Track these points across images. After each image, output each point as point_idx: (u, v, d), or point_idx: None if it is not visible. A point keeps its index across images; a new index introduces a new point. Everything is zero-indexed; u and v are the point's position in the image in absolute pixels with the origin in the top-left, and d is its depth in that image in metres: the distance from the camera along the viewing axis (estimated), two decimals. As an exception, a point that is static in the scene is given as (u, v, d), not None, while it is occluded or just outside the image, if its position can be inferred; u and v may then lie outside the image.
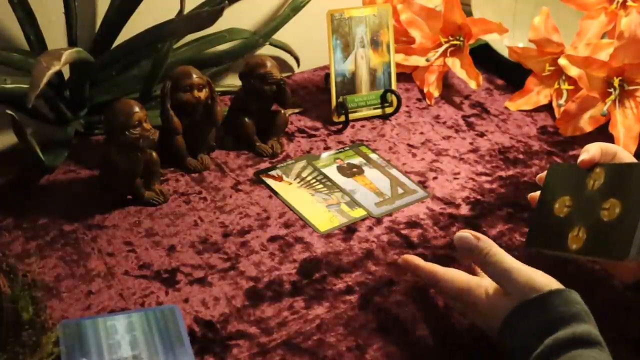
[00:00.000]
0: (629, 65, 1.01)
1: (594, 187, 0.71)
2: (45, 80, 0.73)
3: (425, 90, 1.16)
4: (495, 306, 0.67)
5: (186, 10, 0.93)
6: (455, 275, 0.72)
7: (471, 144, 1.05)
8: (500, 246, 0.84)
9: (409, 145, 1.04)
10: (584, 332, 0.60)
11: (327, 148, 1.03)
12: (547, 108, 1.14)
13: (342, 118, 1.08)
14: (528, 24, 1.10)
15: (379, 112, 1.11)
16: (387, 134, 1.07)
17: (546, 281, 0.65)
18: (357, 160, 1.00)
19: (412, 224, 0.88)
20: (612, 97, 1.03)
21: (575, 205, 0.72)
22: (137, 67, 1.05)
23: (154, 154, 0.88)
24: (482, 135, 1.08)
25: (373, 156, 1.01)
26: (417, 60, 1.18)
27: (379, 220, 0.89)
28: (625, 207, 0.66)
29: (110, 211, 0.87)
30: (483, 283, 0.69)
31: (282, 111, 1.02)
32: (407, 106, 1.15)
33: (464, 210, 0.91)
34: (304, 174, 0.97)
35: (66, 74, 0.99)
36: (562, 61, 1.06)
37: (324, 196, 0.92)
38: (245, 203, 0.91)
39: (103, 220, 0.86)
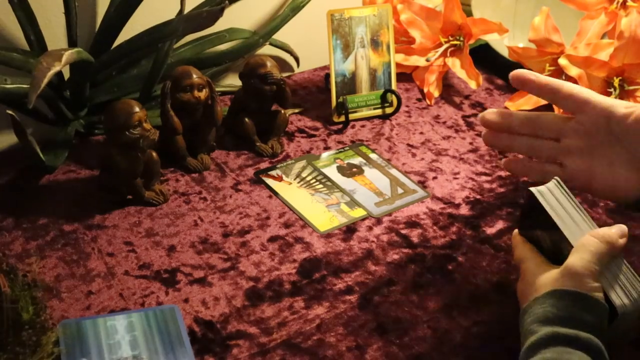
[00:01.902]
0: (629, 65, 1.01)
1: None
2: (46, 80, 0.73)
3: (425, 90, 1.16)
4: (532, 284, 0.67)
5: (186, 10, 0.93)
6: (522, 242, 0.73)
7: (471, 143, 1.05)
8: (501, 246, 0.85)
9: (408, 145, 1.04)
10: (588, 338, 0.60)
11: (327, 148, 1.03)
12: (547, 108, 1.14)
13: (342, 118, 1.08)
14: (528, 24, 1.10)
15: (379, 112, 1.11)
16: (387, 134, 1.07)
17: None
18: (357, 160, 1.00)
19: (412, 224, 0.88)
20: (612, 97, 1.03)
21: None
22: (137, 67, 1.05)
23: (154, 154, 0.88)
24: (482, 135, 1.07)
25: (373, 156, 1.01)
26: (417, 60, 1.18)
27: (378, 220, 0.89)
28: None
29: (110, 211, 0.87)
30: (536, 259, 0.70)
31: (282, 111, 1.02)
32: (407, 106, 1.14)
33: (464, 210, 0.91)
34: (304, 174, 0.97)
35: (66, 74, 0.99)
36: (562, 61, 1.05)
37: (324, 196, 0.92)
38: (245, 203, 0.91)
39: (103, 220, 0.86)
